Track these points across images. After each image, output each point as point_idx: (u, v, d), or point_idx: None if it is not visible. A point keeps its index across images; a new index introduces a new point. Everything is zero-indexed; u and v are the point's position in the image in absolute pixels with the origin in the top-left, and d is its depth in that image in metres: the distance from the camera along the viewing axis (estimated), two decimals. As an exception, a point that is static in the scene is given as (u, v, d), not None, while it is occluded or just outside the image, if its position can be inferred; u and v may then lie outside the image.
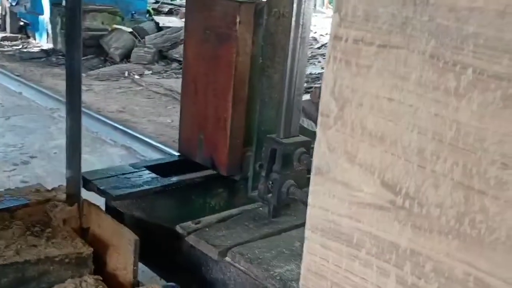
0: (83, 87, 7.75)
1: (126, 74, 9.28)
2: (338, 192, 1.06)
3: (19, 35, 11.05)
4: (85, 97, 6.87)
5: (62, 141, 5.32)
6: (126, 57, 10.25)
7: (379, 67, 0.95)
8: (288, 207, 2.23)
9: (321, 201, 1.10)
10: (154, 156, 5.31)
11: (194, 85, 2.10)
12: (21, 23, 11.12)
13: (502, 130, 0.81)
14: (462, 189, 0.87)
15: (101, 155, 5.19)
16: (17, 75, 8.22)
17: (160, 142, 5.99)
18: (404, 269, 0.97)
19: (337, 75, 1.03)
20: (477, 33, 0.82)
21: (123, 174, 2.10)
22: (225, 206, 2.22)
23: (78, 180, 1.76)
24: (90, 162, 4.69)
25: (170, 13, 15.09)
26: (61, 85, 7.49)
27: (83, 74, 8.29)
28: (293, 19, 1.91)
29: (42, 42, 10.39)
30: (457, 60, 0.84)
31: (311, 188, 1.12)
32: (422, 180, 0.92)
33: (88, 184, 2.04)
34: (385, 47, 0.94)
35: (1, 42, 10.42)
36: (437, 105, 0.88)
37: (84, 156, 4.91)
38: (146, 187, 2.04)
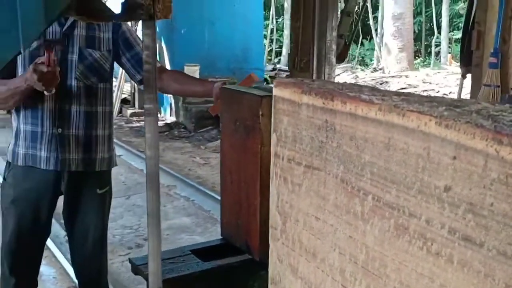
0: (201, 161, 7.86)
1: (245, 144, 9.39)
2: (287, 303, 1.09)
3: (147, 111, 11.55)
4: (202, 171, 6.88)
5: (176, 221, 5.16)
6: (245, 126, 10.40)
7: (307, 186, 0.99)
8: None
9: (276, 309, 1.13)
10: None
11: (230, 173, 2.20)
12: (160, 99, 11.68)
13: (398, 258, 0.82)
14: (375, 313, 0.87)
15: (211, 236, 5.04)
16: (141, 151, 7.70)
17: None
18: None
19: (279, 190, 1.08)
20: (371, 162, 0.84)
21: (169, 259, 2.20)
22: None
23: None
24: (200, 244, 4.70)
25: (288, 79, 15.37)
26: (181, 159, 7.56)
27: (202, 147, 8.28)
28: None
29: (166, 115, 10.44)
30: (360, 186, 0.87)
31: None
32: (346, 300, 0.93)
33: (135, 269, 2.17)
34: (309, 168, 0.98)
35: (130, 118, 10.61)
36: (350, 227, 0.90)
37: (195, 238, 4.91)
38: (186, 271, 2.12)
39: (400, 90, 12.72)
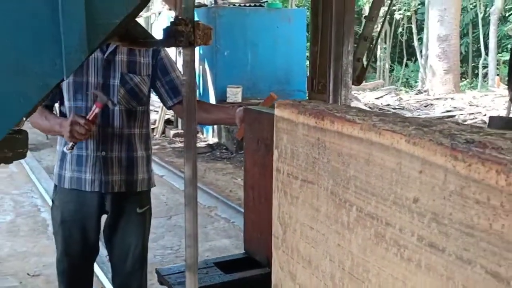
0: (242, 182, 7.84)
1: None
2: (287, 308, 1.17)
3: (189, 131, 11.51)
4: (243, 193, 6.90)
5: (216, 242, 5.27)
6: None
7: (303, 199, 1.08)
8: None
9: (279, 314, 1.21)
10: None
11: (252, 189, 2.30)
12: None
13: (378, 264, 0.89)
14: (359, 315, 0.95)
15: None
16: (183, 171, 7.89)
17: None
18: None
19: (280, 202, 1.17)
20: (355, 176, 0.93)
21: (193, 270, 2.33)
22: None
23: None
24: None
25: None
26: (222, 180, 7.62)
27: (243, 168, 8.44)
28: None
29: (208, 136, 10.50)
30: (346, 198, 0.95)
31: None
32: (335, 303, 1.01)
33: (160, 278, 2.28)
34: (305, 181, 1.07)
35: (173, 139, 10.63)
36: (338, 236, 0.98)
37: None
38: (208, 282, 2.23)
39: (445, 113, 12.57)
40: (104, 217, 2.63)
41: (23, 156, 1.26)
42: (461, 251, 0.74)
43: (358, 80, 2.04)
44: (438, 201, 0.76)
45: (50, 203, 2.75)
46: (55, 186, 2.59)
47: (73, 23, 1.06)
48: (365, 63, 2.08)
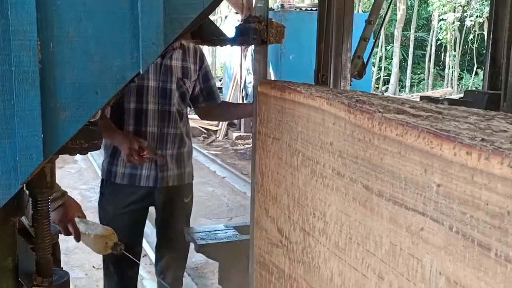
0: None
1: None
2: (263, 236, 1.55)
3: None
4: None
5: None
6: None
7: (273, 152, 1.46)
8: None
9: (258, 242, 1.60)
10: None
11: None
12: (253, 121, 11.75)
13: (312, 192, 1.27)
14: (302, 232, 1.32)
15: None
16: (245, 174, 7.89)
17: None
18: (287, 285, 1.42)
19: (260, 157, 1.55)
20: (301, 131, 1.30)
21: (215, 231, 2.74)
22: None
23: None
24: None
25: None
26: None
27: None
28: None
29: None
30: (296, 147, 1.33)
31: (253, 233, 1.62)
32: (289, 226, 1.39)
33: (187, 236, 2.72)
34: (274, 139, 1.45)
35: (236, 141, 10.75)
36: (291, 176, 1.36)
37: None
38: (225, 240, 2.64)
39: None
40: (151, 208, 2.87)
41: (97, 147, 1.30)
42: (351, 174, 1.10)
43: (359, 74, 2.39)
44: (342, 142, 1.13)
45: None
46: (103, 180, 2.78)
47: (151, 17, 1.08)
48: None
